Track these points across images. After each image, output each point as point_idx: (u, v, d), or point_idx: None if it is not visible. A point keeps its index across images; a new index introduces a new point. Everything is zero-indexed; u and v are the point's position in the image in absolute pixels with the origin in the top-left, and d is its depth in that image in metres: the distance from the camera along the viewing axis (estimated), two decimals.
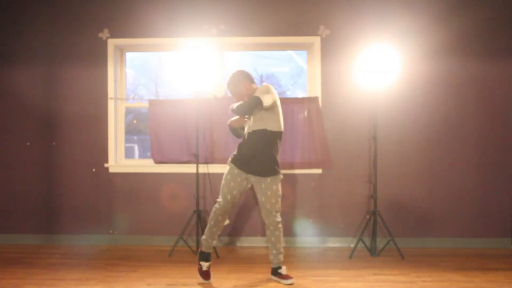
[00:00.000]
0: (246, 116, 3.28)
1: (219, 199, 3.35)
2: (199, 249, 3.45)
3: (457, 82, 4.46)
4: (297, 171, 4.51)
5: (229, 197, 3.31)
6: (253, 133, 3.25)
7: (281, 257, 3.36)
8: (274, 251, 3.34)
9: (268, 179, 3.24)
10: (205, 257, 3.38)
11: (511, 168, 4.43)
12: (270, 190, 3.24)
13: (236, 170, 3.29)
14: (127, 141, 4.91)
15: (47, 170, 4.64)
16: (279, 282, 3.31)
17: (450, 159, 4.46)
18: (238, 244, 4.55)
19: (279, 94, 3.38)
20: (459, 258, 4.03)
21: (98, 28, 4.62)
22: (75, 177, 4.62)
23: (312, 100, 4.46)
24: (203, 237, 3.41)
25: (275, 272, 3.36)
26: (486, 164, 4.44)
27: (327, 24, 4.53)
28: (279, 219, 3.30)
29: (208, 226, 3.39)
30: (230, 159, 3.36)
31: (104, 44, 4.62)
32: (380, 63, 4.01)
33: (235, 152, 3.35)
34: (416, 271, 3.60)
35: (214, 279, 3.39)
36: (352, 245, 4.30)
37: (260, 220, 4.49)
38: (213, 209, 3.37)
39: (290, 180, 4.46)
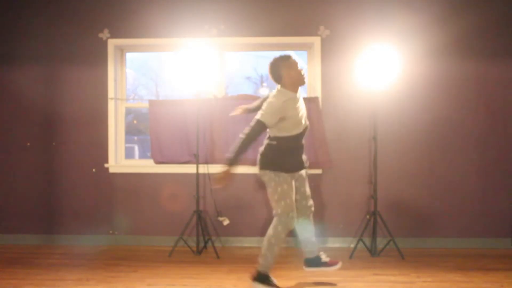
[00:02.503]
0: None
1: (288, 212, 3.00)
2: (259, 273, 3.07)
3: (457, 82, 4.46)
4: None
5: (293, 205, 3.07)
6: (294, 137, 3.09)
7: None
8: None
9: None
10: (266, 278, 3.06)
11: (511, 168, 4.44)
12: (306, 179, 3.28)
13: (290, 177, 3.07)
14: (127, 141, 4.91)
15: (47, 170, 4.64)
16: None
17: (451, 159, 4.46)
18: (238, 244, 4.55)
19: None
20: (459, 258, 4.03)
21: (98, 28, 4.62)
22: (75, 177, 4.62)
23: (312, 100, 4.46)
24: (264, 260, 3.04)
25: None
26: (486, 164, 4.44)
27: (327, 24, 4.53)
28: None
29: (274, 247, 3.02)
30: (276, 169, 3.04)
31: (104, 44, 4.62)
32: (380, 63, 4.01)
33: (277, 161, 3.06)
34: (416, 271, 3.60)
35: (214, 279, 3.39)
36: (352, 246, 4.29)
37: (260, 220, 4.49)
38: (283, 227, 3.01)
39: None
